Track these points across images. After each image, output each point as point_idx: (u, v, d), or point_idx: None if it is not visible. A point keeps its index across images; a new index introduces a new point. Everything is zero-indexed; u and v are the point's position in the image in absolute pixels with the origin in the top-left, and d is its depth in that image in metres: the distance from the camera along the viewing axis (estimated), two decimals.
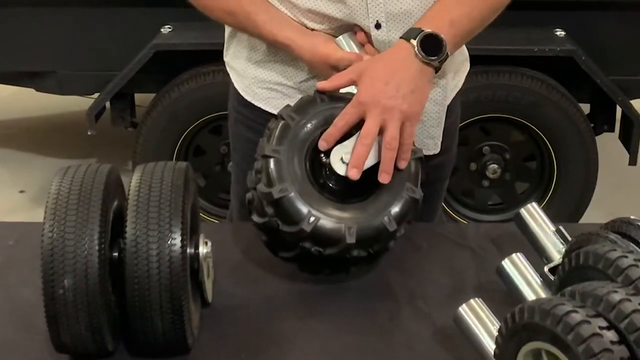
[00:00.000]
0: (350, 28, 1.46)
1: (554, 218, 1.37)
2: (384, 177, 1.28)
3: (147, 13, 3.26)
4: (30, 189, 3.91)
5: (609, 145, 3.52)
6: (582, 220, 3.30)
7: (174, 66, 3.25)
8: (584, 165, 3.27)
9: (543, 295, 1.18)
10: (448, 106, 1.60)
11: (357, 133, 1.30)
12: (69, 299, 1.09)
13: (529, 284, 1.20)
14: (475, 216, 3.44)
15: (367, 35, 1.45)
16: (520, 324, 0.96)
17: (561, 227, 1.31)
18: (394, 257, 1.44)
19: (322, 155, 1.31)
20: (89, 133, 3.35)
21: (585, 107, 3.41)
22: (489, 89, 3.19)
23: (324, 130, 1.31)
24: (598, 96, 3.31)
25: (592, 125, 3.34)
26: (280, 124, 1.30)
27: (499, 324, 1.03)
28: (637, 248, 1.16)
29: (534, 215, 1.33)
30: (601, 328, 0.89)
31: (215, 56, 1.67)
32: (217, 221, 3.24)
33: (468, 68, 1.67)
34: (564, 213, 3.28)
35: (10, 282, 1.38)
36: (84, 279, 1.08)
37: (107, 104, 3.43)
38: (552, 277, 1.19)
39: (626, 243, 1.16)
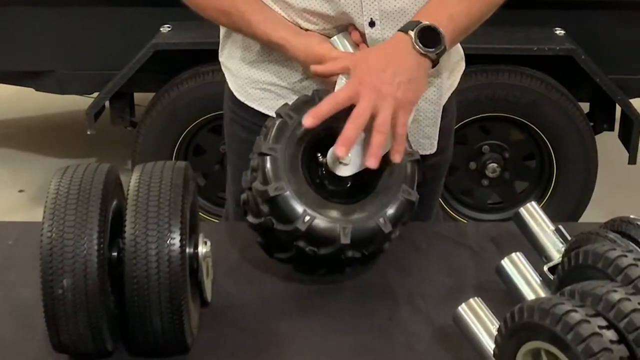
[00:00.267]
0: (344, 29, 1.46)
1: (554, 217, 1.37)
2: (371, 162, 1.25)
3: (147, 12, 3.26)
4: (30, 188, 3.91)
5: (608, 144, 3.52)
6: (582, 219, 3.30)
7: (174, 65, 3.25)
8: (584, 164, 3.27)
9: (542, 294, 1.18)
10: (444, 106, 1.59)
11: None
12: (68, 299, 1.09)
13: (528, 283, 1.20)
14: (475, 215, 3.44)
15: (362, 34, 1.45)
16: (519, 324, 0.96)
17: (561, 227, 1.31)
18: (393, 256, 1.44)
19: (319, 154, 1.31)
20: (88, 132, 3.35)
21: (585, 106, 3.41)
22: (489, 88, 3.19)
23: (322, 129, 1.30)
24: (597, 95, 3.31)
25: (592, 124, 3.34)
26: (278, 122, 1.30)
27: (499, 323, 1.03)
28: (637, 247, 1.16)
29: (534, 215, 1.33)
30: (600, 327, 0.89)
31: (214, 55, 1.66)
32: (216, 220, 3.24)
33: (463, 67, 1.67)
34: (564, 212, 3.28)
35: (10, 282, 1.38)
36: (83, 279, 1.08)
37: (107, 104, 3.43)
38: (551, 277, 1.19)
39: (626, 242, 1.16)
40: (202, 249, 1.24)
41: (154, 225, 1.11)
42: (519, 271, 1.21)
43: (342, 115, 1.27)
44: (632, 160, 3.31)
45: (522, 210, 1.34)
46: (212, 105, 3.14)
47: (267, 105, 1.54)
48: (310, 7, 1.43)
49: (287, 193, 1.25)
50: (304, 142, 1.30)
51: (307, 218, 1.24)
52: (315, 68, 1.34)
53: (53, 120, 4.58)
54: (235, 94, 1.59)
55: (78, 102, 3.90)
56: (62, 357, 1.18)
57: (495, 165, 3.34)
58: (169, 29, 3.23)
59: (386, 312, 1.32)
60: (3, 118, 4.62)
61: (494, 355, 1.04)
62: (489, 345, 1.07)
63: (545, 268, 1.22)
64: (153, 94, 3.36)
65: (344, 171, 1.30)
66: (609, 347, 0.88)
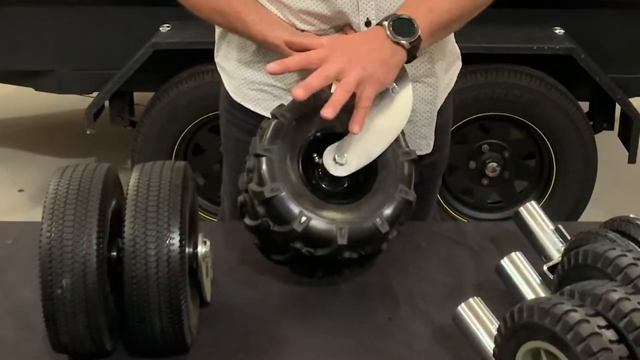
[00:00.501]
0: (340, 30, 1.46)
1: (553, 216, 1.37)
2: (327, 111, 1.25)
3: (146, 12, 3.26)
4: (30, 188, 3.91)
5: (608, 143, 3.52)
6: (582, 219, 3.30)
7: (173, 65, 3.25)
8: (583, 163, 3.27)
9: (542, 294, 1.18)
10: (441, 105, 1.59)
11: (350, 134, 1.30)
12: (67, 299, 1.08)
13: (528, 282, 1.20)
14: (475, 214, 3.44)
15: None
16: (519, 323, 0.96)
17: (560, 226, 1.31)
18: (393, 256, 1.44)
19: (315, 155, 1.30)
20: (87, 132, 3.34)
21: (585, 105, 3.41)
22: (488, 87, 3.18)
23: (318, 130, 1.30)
24: (597, 94, 3.31)
25: (592, 123, 3.34)
26: (274, 123, 1.29)
27: (498, 323, 1.03)
28: (637, 247, 1.16)
29: (533, 214, 1.33)
30: (600, 327, 0.89)
31: (213, 55, 1.66)
32: (216, 220, 3.23)
33: (460, 67, 1.66)
34: (563, 211, 3.28)
35: (9, 282, 1.38)
36: (82, 279, 1.08)
37: (106, 103, 3.42)
38: (551, 276, 1.19)
39: (625, 242, 1.16)
40: (202, 249, 1.24)
41: (153, 225, 1.11)
42: (519, 271, 1.20)
43: (338, 115, 1.27)
44: (631, 160, 3.31)
45: (521, 209, 1.33)
46: (211, 105, 3.10)
47: (263, 106, 1.54)
48: (306, 8, 1.43)
49: (283, 194, 1.24)
50: (299, 142, 1.29)
51: (304, 219, 1.23)
52: (289, 38, 1.37)
53: (52, 119, 4.58)
54: (231, 94, 1.59)
55: (77, 102, 3.90)
56: (62, 357, 1.17)
57: (495, 164, 3.33)
58: (169, 29, 3.22)
59: (386, 311, 1.32)
60: (2, 117, 4.62)
61: (494, 355, 1.04)
62: (489, 345, 1.07)
63: (545, 267, 1.22)
64: (152, 93, 3.36)
65: (340, 171, 1.30)
66: (608, 347, 0.88)
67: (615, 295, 0.91)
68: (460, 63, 1.66)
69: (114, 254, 1.15)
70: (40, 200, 1.15)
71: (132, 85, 3.36)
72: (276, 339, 1.25)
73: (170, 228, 1.11)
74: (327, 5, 1.43)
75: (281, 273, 1.38)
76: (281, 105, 1.33)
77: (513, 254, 1.22)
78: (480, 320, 1.10)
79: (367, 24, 1.44)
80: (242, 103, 1.57)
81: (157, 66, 3.18)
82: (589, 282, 0.97)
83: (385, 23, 1.35)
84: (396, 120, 1.37)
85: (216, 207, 3.36)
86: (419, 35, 1.35)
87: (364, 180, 1.32)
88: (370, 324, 1.28)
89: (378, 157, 1.32)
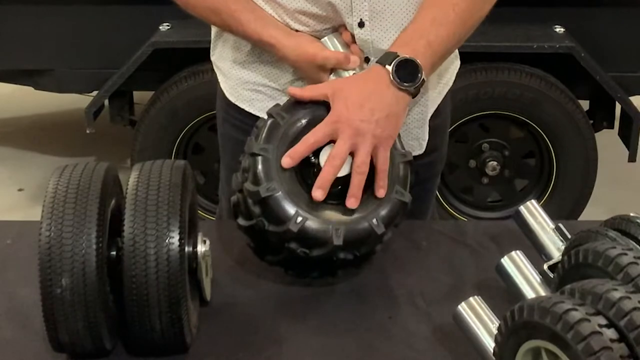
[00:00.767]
0: (334, 31, 1.45)
1: (553, 215, 1.37)
2: (351, 202, 1.25)
3: (146, 11, 3.26)
4: (29, 187, 3.91)
5: (608, 142, 3.52)
6: (582, 217, 3.30)
7: (173, 64, 3.25)
8: (584, 162, 3.27)
9: (542, 293, 1.17)
10: (438, 105, 1.59)
11: None
12: (66, 298, 1.08)
13: (528, 281, 1.19)
14: (475, 213, 3.44)
15: (352, 35, 1.44)
16: (519, 322, 0.96)
17: (560, 225, 1.30)
18: (393, 255, 1.44)
19: (311, 155, 1.30)
20: (87, 131, 3.35)
21: (585, 104, 3.41)
22: (488, 86, 3.19)
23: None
24: (597, 93, 3.31)
25: (592, 121, 3.34)
26: (269, 122, 1.28)
27: (499, 322, 1.02)
28: (637, 245, 1.16)
29: (534, 213, 1.32)
30: (601, 326, 0.89)
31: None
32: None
33: (458, 66, 1.65)
34: (564, 210, 3.28)
35: (8, 281, 1.38)
36: (82, 278, 1.08)
37: (106, 102, 3.43)
38: (551, 275, 1.19)
39: (626, 240, 1.16)
40: (201, 248, 1.24)
41: (152, 224, 1.11)
42: (519, 269, 1.20)
43: None
44: (631, 158, 3.31)
45: (522, 208, 1.33)
46: (211, 104, 3.07)
47: (258, 106, 1.53)
48: (301, 7, 1.43)
49: (279, 194, 1.23)
50: (295, 142, 1.28)
51: (299, 219, 1.22)
52: (294, 92, 1.32)
53: (52, 118, 4.58)
54: (227, 95, 1.59)
55: (77, 101, 3.90)
56: (61, 357, 1.17)
57: (495, 163, 3.34)
58: (168, 27, 3.22)
59: (386, 310, 1.31)
60: (2, 117, 4.62)
61: (494, 354, 1.03)
62: (489, 344, 1.07)
63: (545, 266, 1.22)
64: (152, 92, 3.36)
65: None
66: (609, 346, 0.88)
67: (616, 294, 0.91)
68: (459, 63, 1.66)
69: (114, 253, 1.15)
70: (39, 199, 1.15)
71: (132, 84, 3.37)
72: (276, 338, 1.24)
73: (169, 227, 1.11)
74: (321, 5, 1.42)
75: (281, 272, 1.38)
76: (277, 105, 1.32)
77: (513, 252, 1.22)
78: (480, 319, 1.10)
79: (361, 24, 1.43)
80: (237, 103, 1.57)
81: (156, 65, 3.18)
82: (590, 281, 0.97)
83: (389, 67, 1.31)
84: None
85: (216, 206, 3.36)
86: (423, 79, 1.33)
87: None
88: (370, 323, 1.28)
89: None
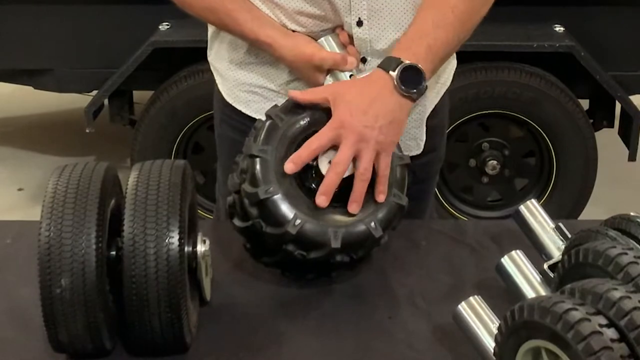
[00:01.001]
0: (331, 32, 1.45)
1: (553, 214, 1.37)
2: (353, 207, 1.25)
3: (145, 10, 3.26)
4: (29, 186, 3.91)
5: (608, 141, 3.52)
6: (582, 217, 3.30)
7: (172, 63, 3.25)
8: (584, 161, 3.27)
9: (542, 292, 1.17)
10: (435, 106, 1.59)
11: None
12: (66, 298, 1.08)
13: (528, 281, 1.19)
14: (475, 212, 3.44)
15: (349, 36, 1.44)
16: (519, 322, 0.96)
17: (561, 224, 1.30)
18: (393, 254, 1.43)
19: None
20: (87, 131, 3.35)
21: (585, 103, 3.41)
22: (488, 85, 3.19)
23: (312, 132, 1.29)
24: (597, 92, 3.31)
25: (592, 121, 3.34)
26: (268, 124, 1.28)
27: (499, 321, 1.02)
28: (637, 245, 1.15)
29: (534, 212, 1.32)
30: (601, 326, 0.89)
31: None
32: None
33: (455, 65, 1.65)
34: (564, 209, 3.28)
35: (8, 281, 1.38)
36: (81, 278, 1.08)
37: (106, 102, 3.42)
38: (551, 275, 1.19)
39: (626, 240, 1.16)
40: (201, 248, 1.24)
41: (152, 224, 1.10)
42: (519, 269, 1.20)
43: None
44: (631, 157, 3.31)
45: (522, 207, 1.33)
46: (211, 104, 3.09)
47: (255, 108, 1.53)
48: (300, 8, 1.42)
49: (278, 196, 1.22)
50: (294, 144, 1.28)
51: (298, 221, 1.22)
52: (294, 95, 1.31)
53: (52, 118, 4.58)
54: (224, 95, 1.59)
55: (77, 100, 3.90)
56: (61, 357, 1.17)
57: (495, 162, 3.33)
58: (168, 27, 3.22)
59: (386, 310, 1.31)
60: (2, 116, 4.62)
61: (494, 354, 1.03)
62: (489, 343, 1.07)
63: (545, 266, 1.22)
64: (152, 92, 3.36)
65: None
66: (609, 346, 0.88)
67: (616, 294, 0.91)
68: (456, 62, 1.65)
69: (113, 253, 1.15)
70: (39, 199, 1.15)
71: (132, 84, 3.37)
72: (276, 338, 1.24)
73: (169, 227, 1.11)
74: (319, 4, 1.42)
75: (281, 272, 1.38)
76: (275, 106, 1.31)
77: (513, 252, 1.21)
78: (480, 319, 1.09)
79: (359, 23, 1.43)
80: (234, 104, 1.57)
81: (156, 64, 3.18)
82: (590, 280, 0.97)
83: (393, 74, 1.30)
84: None
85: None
86: (426, 85, 1.33)
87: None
88: (370, 322, 1.28)
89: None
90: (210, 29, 1.60)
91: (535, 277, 1.20)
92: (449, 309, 1.14)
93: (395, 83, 1.30)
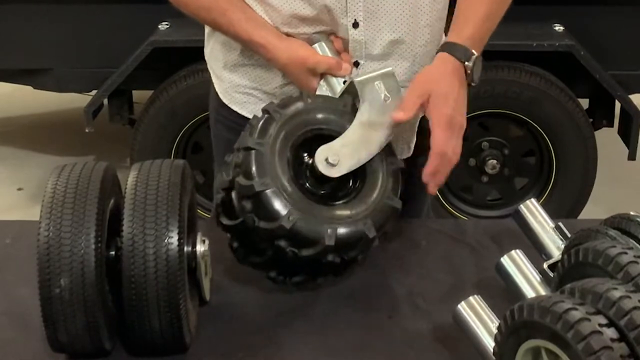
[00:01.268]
0: (325, 36, 1.45)
1: (553, 214, 1.36)
2: (433, 189, 1.37)
3: (145, 10, 3.25)
4: (29, 186, 3.90)
5: (607, 140, 3.51)
6: (581, 216, 3.30)
7: (172, 63, 3.24)
8: (583, 160, 3.27)
9: (542, 292, 1.17)
10: None
11: (342, 135, 1.29)
12: (65, 298, 1.08)
13: (528, 280, 1.19)
14: (474, 212, 3.43)
15: (343, 41, 1.44)
16: (519, 322, 0.96)
17: (560, 224, 1.30)
18: (393, 254, 1.43)
19: (306, 154, 1.29)
20: (86, 130, 3.34)
21: (584, 102, 3.41)
22: (488, 85, 3.18)
23: (309, 130, 1.29)
24: (597, 91, 3.30)
25: (591, 120, 3.33)
26: (265, 118, 1.27)
27: (498, 321, 1.02)
28: (637, 244, 1.15)
29: (533, 212, 1.32)
30: (601, 325, 0.89)
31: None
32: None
33: None
34: (563, 208, 3.27)
35: (7, 281, 1.38)
36: (81, 278, 1.08)
37: (105, 101, 3.42)
38: (551, 274, 1.19)
39: (626, 239, 1.16)
40: (201, 248, 1.24)
41: (151, 223, 1.10)
42: (519, 269, 1.20)
43: (329, 118, 1.28)
44: (631, 157, 3.31)
45: (521, 207, 1.33)
46: None
47: (249, 109, 1.53)
48: (296, 11, 1.42)
49: (274, 189, 1.21)
50: (289, 141, 1.27)
51: (293, 216, 1.21)
52: (399, 117, 1.35)
53: (51, 118, 4.58)
54: (220, 96, 1.59)
55: (76, 100, 3.89)
56: (60, 357, 1.17)
57: (494, 161, 3.33)
58: (167, 26, 3.22)
59: (386, 310, 1.31)
60: (1, 116, 4.62)
61: (494, 353, 1.03)
62: (489, 343, 1.07)
63: (545, 265, 1.22)
64: (151, 91, 3.36)
65: (333, 172, 1.28)
66: (609, 345, 0.88)
67: (616, 294, 0.91)
68: None
69: (113, 253, 1.15)
70: (39, 198, 1.15)
71: (131, 83, 3.36)
72: (275, 338, 1.24)
73: (168, 227, 1.10)
74: (315, 6, 1.41)
75: None
76: (272, 102, 1.31)
77: (513, 251, 1.21)
78: (480, 319, 1.09)
79: (355, 25, 1.42)
80: (230, 105, 1.57)
81: (156, 64, 3.18)
82: (590, 280, 0.97)
83: (469, 64, 1.41)
84: (387, 127, 1.35)
85: None
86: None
87: (352, 185, 1.31)
88: (370, 322, 1.28)
89: (367, 162, 1.31)
90: (207, 29, 1.60)
91: (535, 276, 1.19)
92: (448, 308, 1.14)
93: (469, 72, 1.42)
